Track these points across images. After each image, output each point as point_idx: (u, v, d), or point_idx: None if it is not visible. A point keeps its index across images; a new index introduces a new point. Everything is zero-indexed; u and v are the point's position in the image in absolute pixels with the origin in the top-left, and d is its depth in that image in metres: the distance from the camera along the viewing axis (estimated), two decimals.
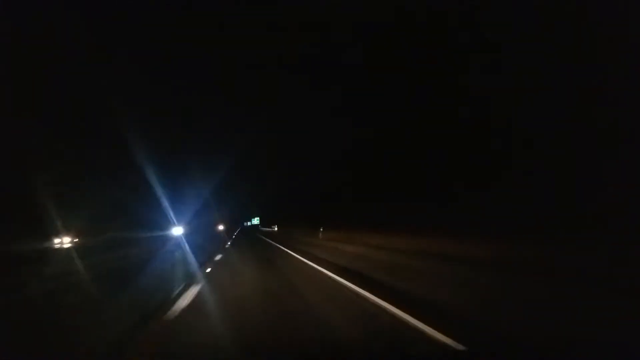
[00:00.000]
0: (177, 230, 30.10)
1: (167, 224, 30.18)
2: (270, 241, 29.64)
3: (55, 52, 22.19)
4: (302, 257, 14.98)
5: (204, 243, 25.45)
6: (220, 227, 58.85)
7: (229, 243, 28.60)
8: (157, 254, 17.14)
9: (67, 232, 21.08)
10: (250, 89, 49.04)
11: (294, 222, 41.74)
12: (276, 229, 60.16)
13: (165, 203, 26.58)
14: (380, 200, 19.64)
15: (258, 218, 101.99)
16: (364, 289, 7.50)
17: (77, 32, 20.61)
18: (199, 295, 7.46)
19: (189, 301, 6.91)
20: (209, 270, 11.80)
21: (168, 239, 28.27)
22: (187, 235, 29.86)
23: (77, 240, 21.95)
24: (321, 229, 23.80)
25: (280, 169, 58.06)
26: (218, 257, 16.62)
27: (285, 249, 19.51)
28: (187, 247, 19.76)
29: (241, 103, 57.68)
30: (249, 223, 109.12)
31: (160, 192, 25.05)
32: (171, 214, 28.03)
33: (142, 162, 23.32)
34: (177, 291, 7.80)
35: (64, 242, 20.87)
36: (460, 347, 3.63)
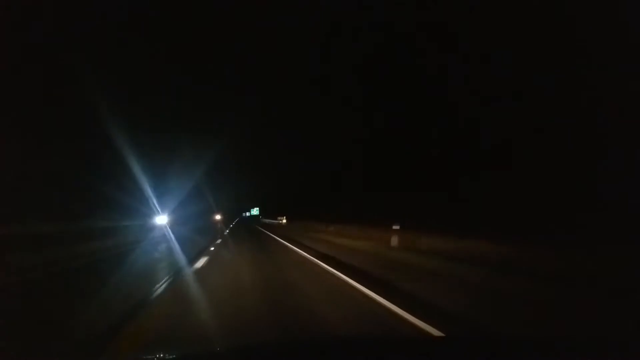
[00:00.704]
0: (161, 220, 27.51)
1: (150, 212, 27.08)
2: (297, 249, 15.67)
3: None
4: None
5: (188, 234, 22.24)
6: (218, 217, 59.21)
7: (219, 241, 20.29)
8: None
9: None
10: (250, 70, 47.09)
11: (305, 214, 35.62)
12: (284, 221, 50.57)
13: (148, 189, 23.39)
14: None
15: (257, 209, 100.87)
16: None
17: None
18: None
19: None
20: None
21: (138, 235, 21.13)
22: (172, 226, 26.84)
23: None
24: (396, 227, 13.79)
25: (283, 161, 57.38)
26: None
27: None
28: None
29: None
30: (248, 213, 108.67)
31: (140, 175, 21.74)
32: (154, 201, 25.13)
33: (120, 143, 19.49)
34: None
35: None
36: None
